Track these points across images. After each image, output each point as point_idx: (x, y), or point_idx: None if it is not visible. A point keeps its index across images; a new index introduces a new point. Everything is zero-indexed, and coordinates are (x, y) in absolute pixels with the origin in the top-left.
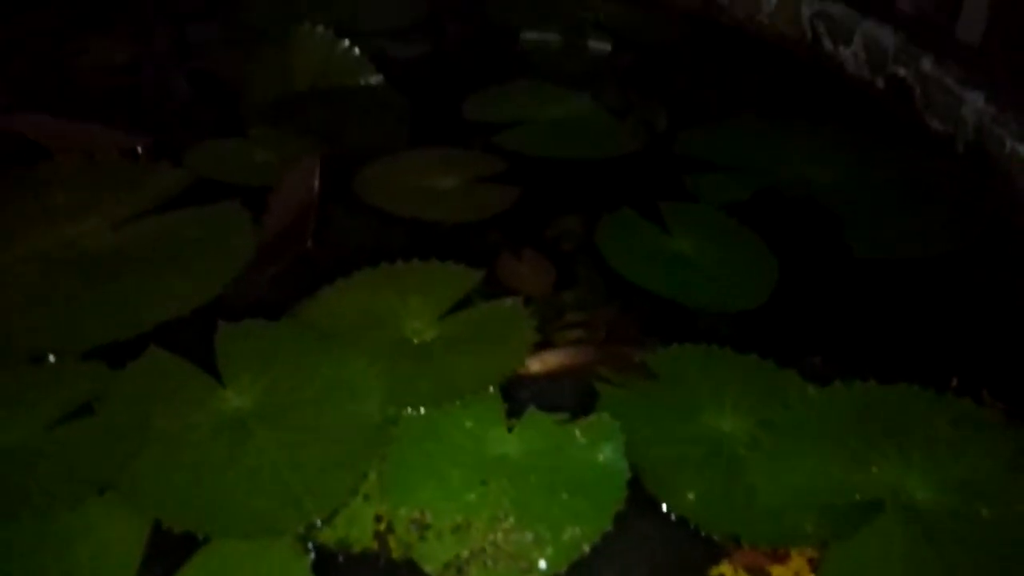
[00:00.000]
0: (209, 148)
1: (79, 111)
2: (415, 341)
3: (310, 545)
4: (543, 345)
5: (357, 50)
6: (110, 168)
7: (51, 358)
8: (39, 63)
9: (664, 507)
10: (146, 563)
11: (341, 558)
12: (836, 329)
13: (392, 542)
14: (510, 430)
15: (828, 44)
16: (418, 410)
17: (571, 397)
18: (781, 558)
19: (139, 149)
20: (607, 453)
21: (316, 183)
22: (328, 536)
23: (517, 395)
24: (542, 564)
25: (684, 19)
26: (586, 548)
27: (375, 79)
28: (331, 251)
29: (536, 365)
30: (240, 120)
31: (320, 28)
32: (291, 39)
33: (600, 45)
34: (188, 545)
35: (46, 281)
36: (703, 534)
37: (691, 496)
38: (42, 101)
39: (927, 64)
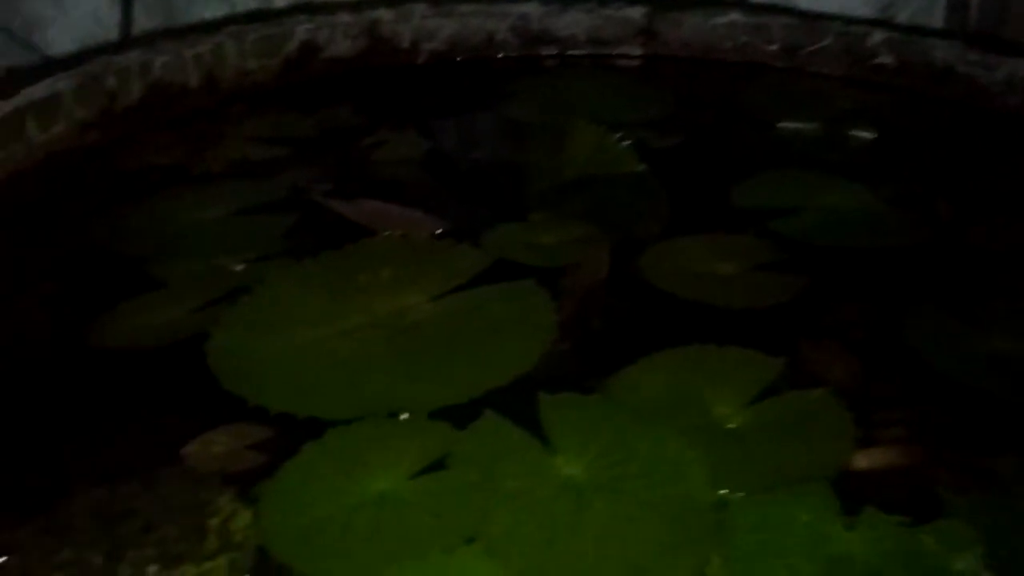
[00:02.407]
0: (501, 231)
1: (385, 198)
2: (728, 426)
3: None
4: (864, 440)
5: (625, 141)
6: (422, 248)
7: (404, 415)
8: (344, 155)
9: None
10: None
11: None
12: None
13: None
14: (849, 528)
15: None
16: (745, 497)
17: (905, 498)
18: None
19: (440, 231)
20: (967, 563)
21: (606, 266)
22: None
23: (846, 491)
24: None
25: (949, 106)
26: None
27: (639, 168)
28: (620, 331)
29: (863, 461)
30: (521, 205)
31: (594, 122)
32: (566, 131)
33: (863, 133)
34: None
35: (387, 344)
36: None
37: None
38: (351, 189)
39: None
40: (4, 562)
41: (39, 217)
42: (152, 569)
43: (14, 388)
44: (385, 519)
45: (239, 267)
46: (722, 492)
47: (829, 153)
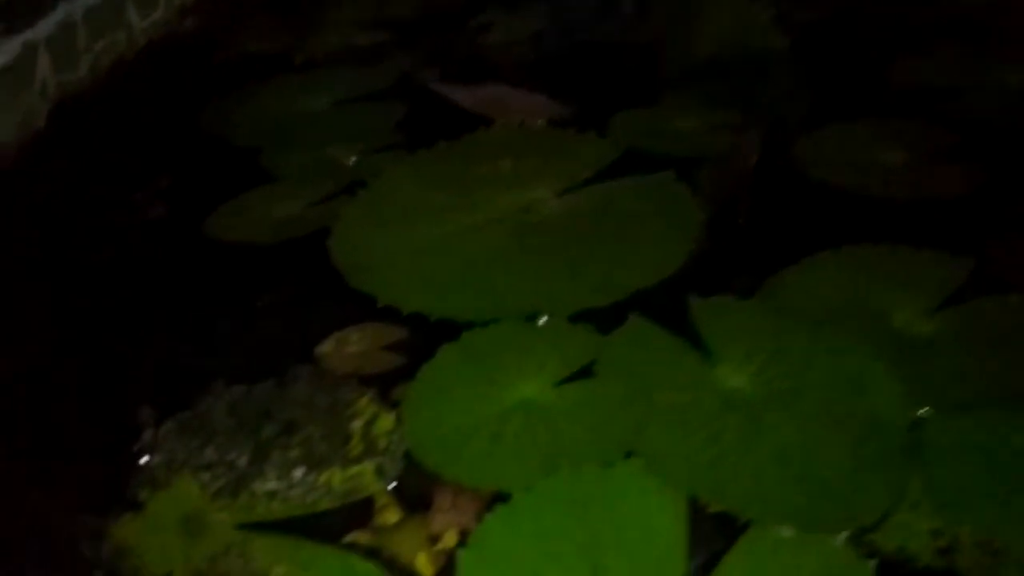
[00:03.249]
0: (629, 118)
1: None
2: (914, 335)
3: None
4: None
5: (765, 15)
6: (542, 137)
7: (543, 319)
8: (451, 39)
9: None
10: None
11: (905, 571)
12: None
13: (961, 562)
14: None
15: None
16: (943, 415)
17: None
18: None
19: (562, 118)
20: None
21: (754, 157)
22: (884, 544)
23: None
24: None
25: None
26: None
27: (783, 44)
28: (774, 228)
29: None
30: (651, 88)
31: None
32: (698, 3)
33: None
34: (724, 522)
35: (515, 242)
36: None
37: None
38: (461, 74)
39: None
40: (148, 462)
41: (147, 107)
42: (298, 472)
43: (140, 284)
44: (535, 428)
45: (352, 159)
46: (920, 412)
47: (999, 25)
